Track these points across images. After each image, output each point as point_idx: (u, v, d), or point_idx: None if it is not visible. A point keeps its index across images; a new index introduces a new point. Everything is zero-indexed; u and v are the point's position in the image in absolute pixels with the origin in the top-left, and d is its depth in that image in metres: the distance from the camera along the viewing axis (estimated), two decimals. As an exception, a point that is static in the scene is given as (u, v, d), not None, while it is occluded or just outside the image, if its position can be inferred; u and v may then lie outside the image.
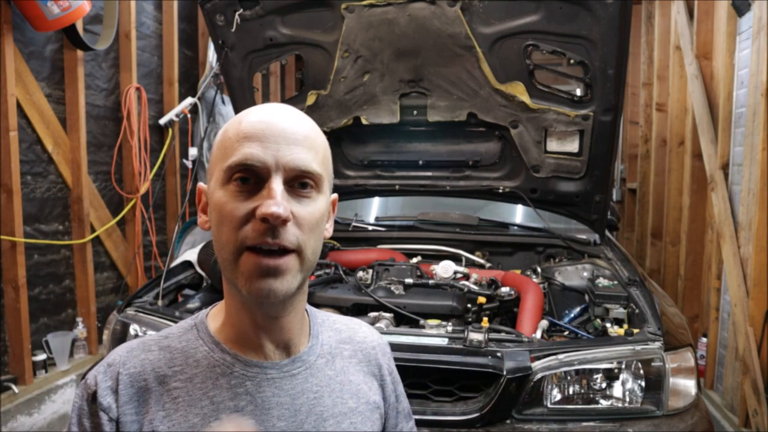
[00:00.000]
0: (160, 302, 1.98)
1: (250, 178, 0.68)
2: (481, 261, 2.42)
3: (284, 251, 0.67)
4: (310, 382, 0.76)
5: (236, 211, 0.67)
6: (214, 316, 0.78)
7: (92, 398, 0.70)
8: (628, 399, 1.59)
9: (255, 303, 0.71)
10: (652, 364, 1.57)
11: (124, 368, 0.71)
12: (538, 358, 1.55)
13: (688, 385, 1.60)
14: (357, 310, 1.95)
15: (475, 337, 1.61)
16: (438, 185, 2.66)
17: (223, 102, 4.32)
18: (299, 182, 0.69)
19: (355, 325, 0.90)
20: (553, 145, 2.40)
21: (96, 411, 0.69)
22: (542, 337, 1.78)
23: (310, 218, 0.70)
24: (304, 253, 0.69)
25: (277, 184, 0.67)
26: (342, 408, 0.77)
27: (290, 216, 0.67)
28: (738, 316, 2.67)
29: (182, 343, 0.75)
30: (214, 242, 0.72)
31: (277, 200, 0.66)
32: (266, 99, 5.10)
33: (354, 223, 2.74)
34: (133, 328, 1.82)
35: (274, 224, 0.66)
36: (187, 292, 2.22)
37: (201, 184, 0.77)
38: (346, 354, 0.83)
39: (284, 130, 0.69)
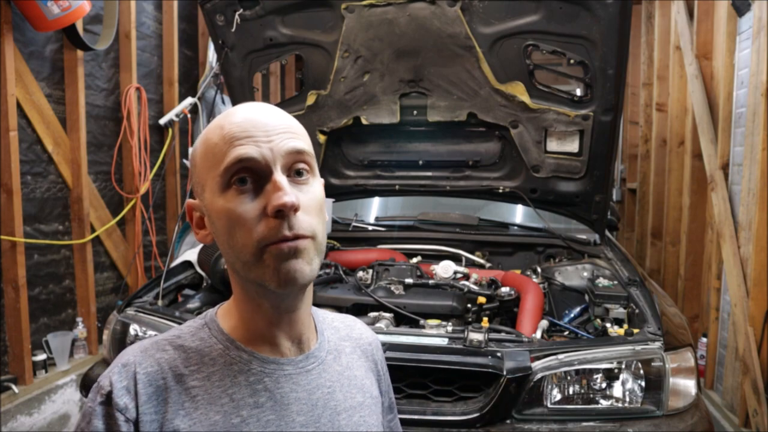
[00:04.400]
0: (160, 302, 1.98)
1: (249, 178, 0.69)
2: (481, 261, 2.42)
3: (297, 238, 0.69)
4: (323, 377, 0.78)
5: (247, 213, 0.68)
6: (224, 316, 0.78)
7: (106, 399, 0.68)
8: (628, 399, 1.59)
9: (277, 295, 0.72)
10: (652, 364, 1.57)
11: (141, 368, 0.70)
12: (538, 358, 1.56)
13: (688, 385, 1.60)
14: (357, 310, 1.95)
15: (475, 337, 1.61)
16: (438, 185, 2.67)
17: (223, 102, 4.32)
18: (295, 170, 0.71)
19: (351, 322, 0.92)
20: (553, 145, 2.40)
21: (111, 412, 0.67)
22: (542, 337, 1.78)
23: (313, 203, 0.72)
24: (318, 238, 0.72)
25: (280, 176, 0.69)
26: (352, 402, 0.79)
27: (300, 204, 0.69)
28: (738, 316, 2.67)
29: (195, 342, 0.74)
30: (225, 249, 0.71)
31: (285, 190, 0.67)
32: (266, 99, 5.10)
33: (354, 223, 2.74)
34: (133, 328, 1.82)
35: (287, 215, 0.67)
36: (187, 292, 2.22)
37: (190, 201, 0.77)
38: (348, 350, 0.85)
39: (268, 124, 0.71)
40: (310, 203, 0.71)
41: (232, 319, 0.77)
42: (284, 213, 0.67)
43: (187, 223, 3.97)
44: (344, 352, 0.84)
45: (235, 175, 0.69)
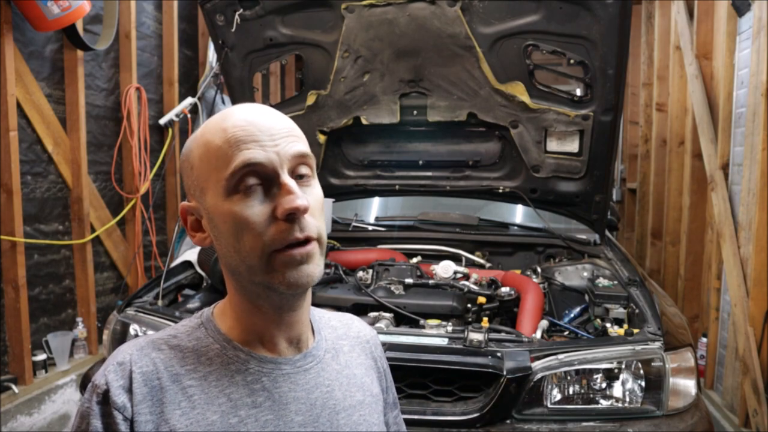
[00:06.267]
0: (160, 302, 1.98)
1: (256, 181, 0.69)
2: (481, 261, 2.42)
3: (308, 240, 0.70)
4: (322, 376, 0.78)
5: (255, 216, 0.68)
6: (219, 316, 0.78)
7: (104, 398, 0.67)
8: (628, 399, 1.59)
9: (281, 296, 0.72)
10: (652, 364, 1.57)
11: (137, 367, 0.69)
12: (538, 358, 1.56)
13: (688, 385, 1.60)
14: (357, 310, 1.95)
15: (475, 337, 1.61)
16: (438, 185, 2.66)
17: (223, 102, 4.31)
18: (299, 173, 0.72)
19: (348, 320, 0.92)
20: (553, 145, 2.40)
21: (109, 411, 0.67)
22: (542, 337, 1.78)
23: (317, 204, 0.73)
24: (322, 238, 0.73)
25: (288, 178, 0.69)
26: (351, 401, 0.79)
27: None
28: (738, 316, 2.67)
29: (192, 342, 0.74)
30: (229, 253, 0.71)
31: (297, 193, 0.68)
32: (266, 99, 5.10)
33: (354, 223, 2.74)
34: (133, 328, 1.82)
35: (298, 217, 0.68)
36: (187, 292, 2.22)
37: (184, 204, 0.76)
38: (346, 349, 0.85)
39: (273, 128, 0.71)
40: (315, 205, 0.72)
41: (228, 319, 0.76)
42: (295, 216, 0.68)
43: (187, 223, 3.96)
44: (342, 350, 0.84)
45: (242, 179, 0.68)
